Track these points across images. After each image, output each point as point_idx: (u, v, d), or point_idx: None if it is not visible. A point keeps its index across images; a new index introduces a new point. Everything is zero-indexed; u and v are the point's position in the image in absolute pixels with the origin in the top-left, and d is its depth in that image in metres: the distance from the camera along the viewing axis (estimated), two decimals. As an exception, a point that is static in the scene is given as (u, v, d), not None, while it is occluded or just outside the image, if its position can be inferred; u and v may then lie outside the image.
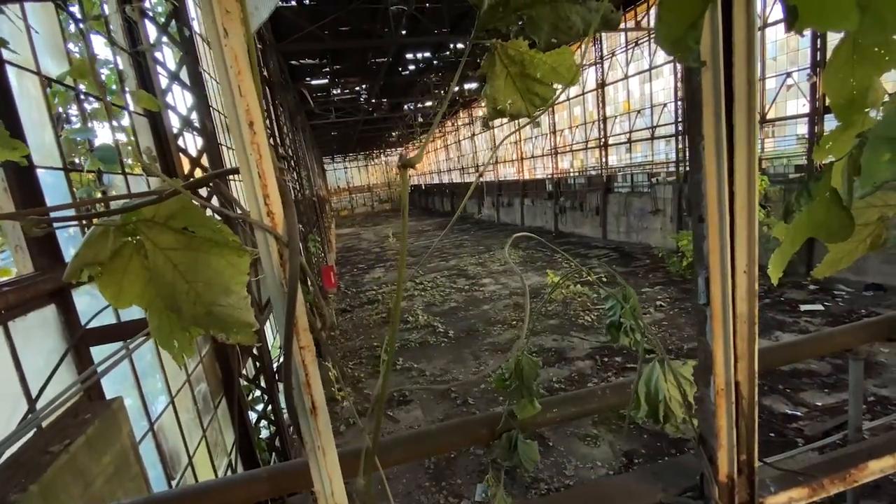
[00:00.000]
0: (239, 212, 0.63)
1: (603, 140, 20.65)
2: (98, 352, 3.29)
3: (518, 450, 1.47)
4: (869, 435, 2.22)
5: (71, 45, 4.04)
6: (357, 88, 25.74)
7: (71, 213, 3.56)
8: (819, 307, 10.16)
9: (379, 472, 0.75)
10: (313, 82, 22.94)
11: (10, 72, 2.93)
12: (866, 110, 1.05)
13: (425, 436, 1.49)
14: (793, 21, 0.48)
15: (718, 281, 0.81)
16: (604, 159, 20.74)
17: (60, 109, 3.85)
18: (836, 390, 7.16)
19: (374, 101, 27.82)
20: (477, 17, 0.66)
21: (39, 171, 3.09)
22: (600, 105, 20.40)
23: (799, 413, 6.75)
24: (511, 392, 1.48)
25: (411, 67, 23.24)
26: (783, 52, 13.83)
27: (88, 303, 3.47)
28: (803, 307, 10.22)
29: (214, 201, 4.21)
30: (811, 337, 1.76)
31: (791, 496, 0.95)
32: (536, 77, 0.93)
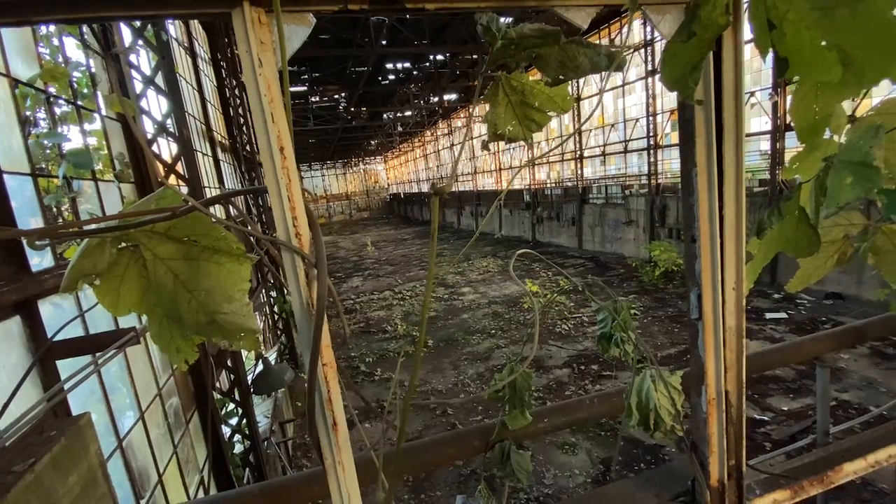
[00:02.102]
0: (268, 233, 0.64)
1: (578, 152, 21.22)
2: (64, 365, 3.14)
3: (511, 460, 1.50)
4: (834, 438, 2.35)
5: (42, 48, 3.90)
6: (336, 97, 25.68)
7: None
8: (783, 315, 10.66)
9: (389, 485, 0.77)
10: (291, 89, 22.74)
11: (-21, 74, 2.81)
12: (828, 135, 1.15)
13: (420, 449, 1.49)
14: (783, 70, 0.54)
15: (710, 297, 0.86)
16: (579, 171, 21.30)
17: (28, 113, 3.70)
18: (801, 395, 7.49)
19: (353, 109, 27.79)
20: (489, 53, 0.71)
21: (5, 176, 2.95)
22: (576, 119, 20.98)
23: (766, 418, 7.03)
24: (490, 402, 1.51)
25: (391, 77, 23.38)
26: (747, 72, 14.67)
27: (53, 313, 3.31)
28: (768, 315, 10.69)
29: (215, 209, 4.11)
30: (782, 346, 1.87)
31: (775, 498, 1.01)
32: (535, 105, 0.99)
